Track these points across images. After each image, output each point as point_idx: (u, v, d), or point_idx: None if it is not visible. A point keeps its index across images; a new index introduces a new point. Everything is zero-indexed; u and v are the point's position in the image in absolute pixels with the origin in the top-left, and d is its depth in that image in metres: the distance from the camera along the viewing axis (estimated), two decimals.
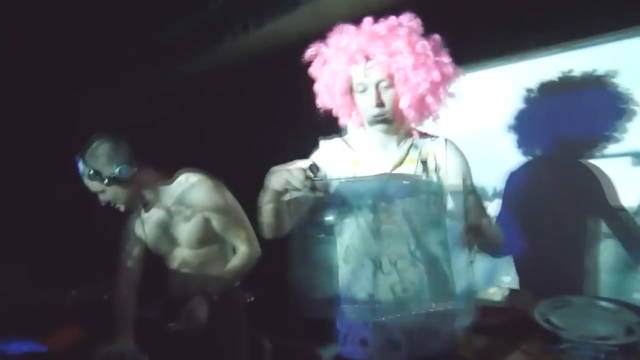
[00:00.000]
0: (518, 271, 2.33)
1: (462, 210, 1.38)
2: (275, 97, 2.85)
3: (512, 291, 2.04)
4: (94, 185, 1.88)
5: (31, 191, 3.11)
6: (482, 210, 1.53)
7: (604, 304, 1.69)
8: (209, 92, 3.14)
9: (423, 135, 1.54)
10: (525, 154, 2.31)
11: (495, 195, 2.41)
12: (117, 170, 1.85)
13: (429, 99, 1.41)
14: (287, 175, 1.26)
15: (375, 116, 1.42)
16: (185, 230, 1.97)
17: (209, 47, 2.74)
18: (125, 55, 3.17)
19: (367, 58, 1.41)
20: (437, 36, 1.43)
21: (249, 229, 1.96)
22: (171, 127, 3.03)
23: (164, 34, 3.05)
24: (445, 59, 1.42)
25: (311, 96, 1.50)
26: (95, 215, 2.06)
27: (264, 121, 3.00)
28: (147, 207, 2.00)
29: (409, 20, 1.42)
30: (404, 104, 1.40)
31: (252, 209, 1.49)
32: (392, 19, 1.42)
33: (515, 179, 2.32)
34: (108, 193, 1.89)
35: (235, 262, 1.96)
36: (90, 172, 1.84)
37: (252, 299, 2.51)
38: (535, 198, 2.19)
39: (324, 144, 1.56)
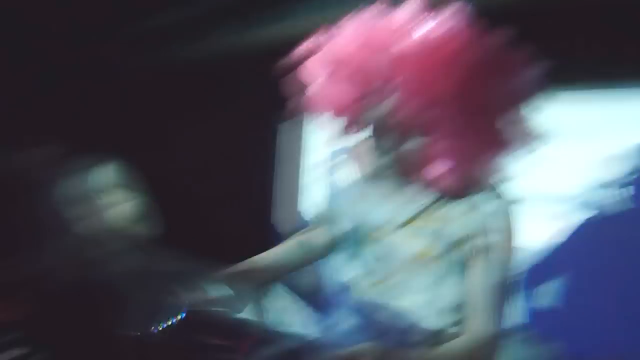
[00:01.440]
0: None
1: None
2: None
3: None
4: None
5: None
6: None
7: None
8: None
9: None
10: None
11: None
12: None
13: (478, 169, 0.92)
14: None
15: (380, 172, 0.98)
16: None
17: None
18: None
19: (386, 85, 0.88)
20: (519, 55, 0.84)
21: None
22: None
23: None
24: (522, 119, 0.88)
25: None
26: None
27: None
28: None
29: (465, 28, 0.84)
30: (431, 173, 0.91)
31: None
32: (441, 22, 0.85)
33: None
34: None
35: None
36: None
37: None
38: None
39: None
